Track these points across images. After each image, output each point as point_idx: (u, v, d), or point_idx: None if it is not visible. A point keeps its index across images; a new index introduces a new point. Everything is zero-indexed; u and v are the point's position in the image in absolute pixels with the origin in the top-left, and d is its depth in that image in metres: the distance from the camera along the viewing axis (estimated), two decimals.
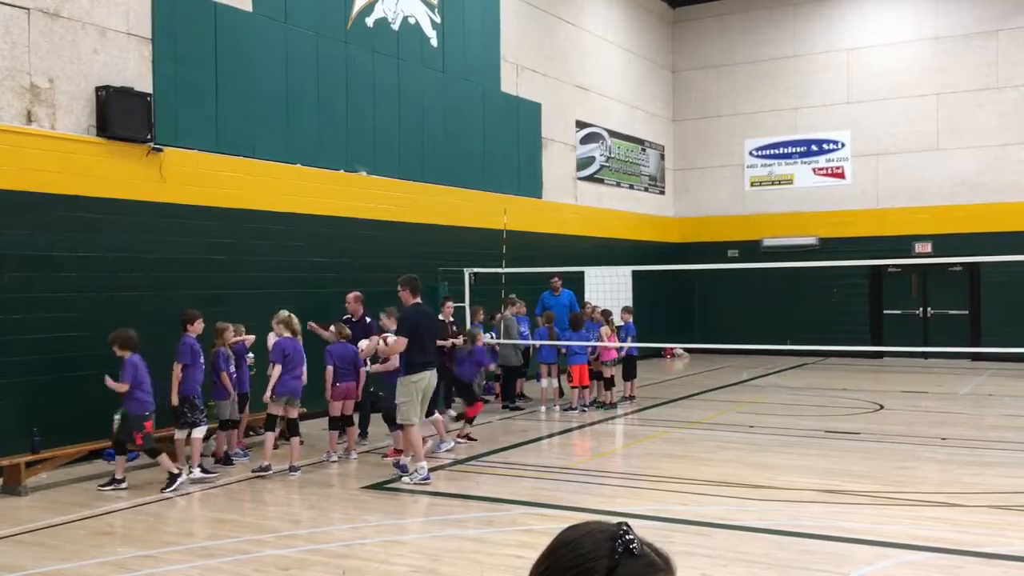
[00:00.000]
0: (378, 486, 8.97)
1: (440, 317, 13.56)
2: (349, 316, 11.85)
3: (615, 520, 1.40)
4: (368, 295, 12.11)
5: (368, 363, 10.97)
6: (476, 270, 15.27)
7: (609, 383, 14.57)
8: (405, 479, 9.03)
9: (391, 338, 9.65)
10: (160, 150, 11.20)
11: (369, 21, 14.76)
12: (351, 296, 11.85)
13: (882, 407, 14.37)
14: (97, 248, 10.57)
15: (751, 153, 24.28)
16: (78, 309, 10.26)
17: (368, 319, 11.73)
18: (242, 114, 12.47)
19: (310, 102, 13.60)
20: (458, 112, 16.64)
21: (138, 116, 10.90)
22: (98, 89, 10.61)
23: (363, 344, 11.16)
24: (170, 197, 11.38)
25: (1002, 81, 21.34)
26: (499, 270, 16.01)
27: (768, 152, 24.09)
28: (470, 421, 11.58)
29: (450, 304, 13.72)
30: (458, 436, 11.32)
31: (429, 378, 9.39)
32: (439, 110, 16.17)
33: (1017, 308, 19.96)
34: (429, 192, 15.76)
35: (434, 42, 16.14)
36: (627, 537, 1.34)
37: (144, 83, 11.13)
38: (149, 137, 11.08)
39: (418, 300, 9.59)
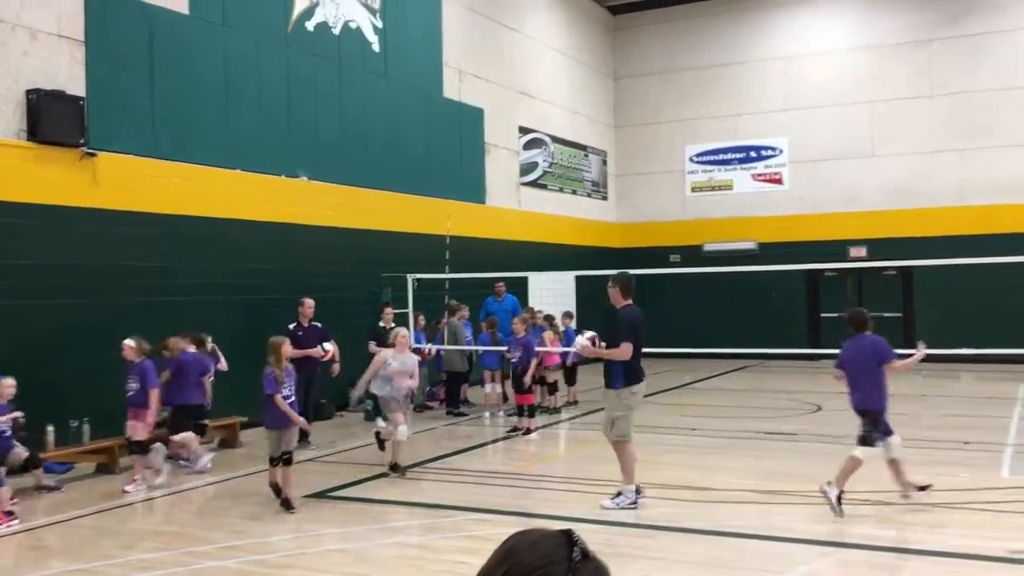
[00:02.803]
0: (320, 495, 8.87)
1: (381, 323, 13.48)
2: (298, 322, 11.78)
3: (558, 528, 1.42)
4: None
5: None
6: (419, 276, 15.20)
7: (553, 388, 14.61)
8: (607, 502, 8.03)
9: (589, 333, 8.41)
10: (94, 154, 10.95)
11: (310, 25, 14.62)
12: (311, 302, 11.90)
13: (820, 408, 14.63)
14: (29, 255, 10.29)
15: (692, 159, 24.59)
16: (7, 318, 9.96)
17: (319, 324, 11.99)
18: (179, 118, 12.25)
19: (250, 106, 13.42)
20: (400, 117, 16.56)
21: (70, 120, 10.64)
22: (28, 92, 10.33)
23: (328, 346, 11.57)
24: (105, 203, 11.12)
25: (934, 89, 21.93)
26: (442, 276, 15.97)
27: (708, 158, 24.42)
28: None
29: (389, 310, 13.65)
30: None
31: (644, 390, 8.35)
32: (381, 115, 16.08)
33: (949, 311, 20.49)
34: (371, 198, 15.65)
35: (376, 47, 16.05)
36: (580, 542, 1.37)
37: (77, 86, 10.87)
38: (82, 141, 10.82)
39: (630, 301, 8.49)
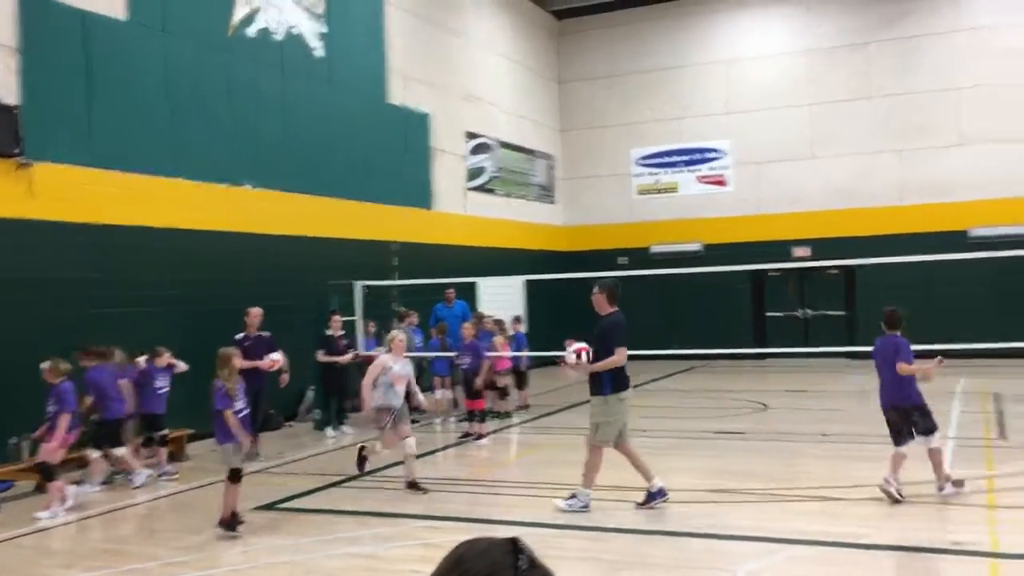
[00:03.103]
0: (269, 506, 8.74)
1: (329, 332, 13.35)
2: (245, 333, 11.60)
3: (506, 535, 1.43)
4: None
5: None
6: (367, 283, 15.09)
7: (503, 393, 14.60)
8: (561, 503, 8.04)
9: (576, 345, 8.39)
10: (29, 164, 10.67)
11: (251, 31, 14.44)
12: (257, 311, 11.71)
13: (766, 407, 14.83)
14: None
15: (638, 162, 24.79)
16: None
17: (266, 334, 11.79)
18: (118, 126, 12.01)
19: (191, 113, 13.20)
20: (345, 123, 16.44)
21: (4, 129, 10.36)
22: None
23: (276, 356, 11.35)
24: (42, 214, 10.85)
25: (872, 91, 22.39)
26: (391, 282, 15.88)
27: (654, 161, 24.65)
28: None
29: (338, 318, 13.52)
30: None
31: (631, 397, 8.39)
32: (326, 121, 15.94)
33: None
34: (317, 204, 15.51)
35: (319, 52, 15.91)
36: (526, 549, 1.39)
37: (10, 95, 10.59)
38: (17, 151, 10.54)
39: (616, 307, 8.52)
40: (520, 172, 23.32)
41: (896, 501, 7.87)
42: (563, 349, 22.97)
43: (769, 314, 23.34)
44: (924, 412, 8.15)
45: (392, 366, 9.12)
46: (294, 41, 15.32)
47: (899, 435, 8.10)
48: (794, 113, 23.04)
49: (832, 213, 22.40)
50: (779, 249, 21.97)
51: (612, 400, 8.21)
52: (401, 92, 18.26)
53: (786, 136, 23.07)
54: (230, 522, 7.67)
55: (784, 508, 8.11)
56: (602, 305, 8.51)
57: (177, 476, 10.21)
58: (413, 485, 9.03)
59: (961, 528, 7.18)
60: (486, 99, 21.66)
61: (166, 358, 10.62)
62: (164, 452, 10.47)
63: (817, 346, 20.13)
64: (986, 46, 21.38)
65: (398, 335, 9.64)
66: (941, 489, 8.10)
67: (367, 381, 9.17)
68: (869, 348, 17.68)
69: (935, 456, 8.09)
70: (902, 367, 8.08)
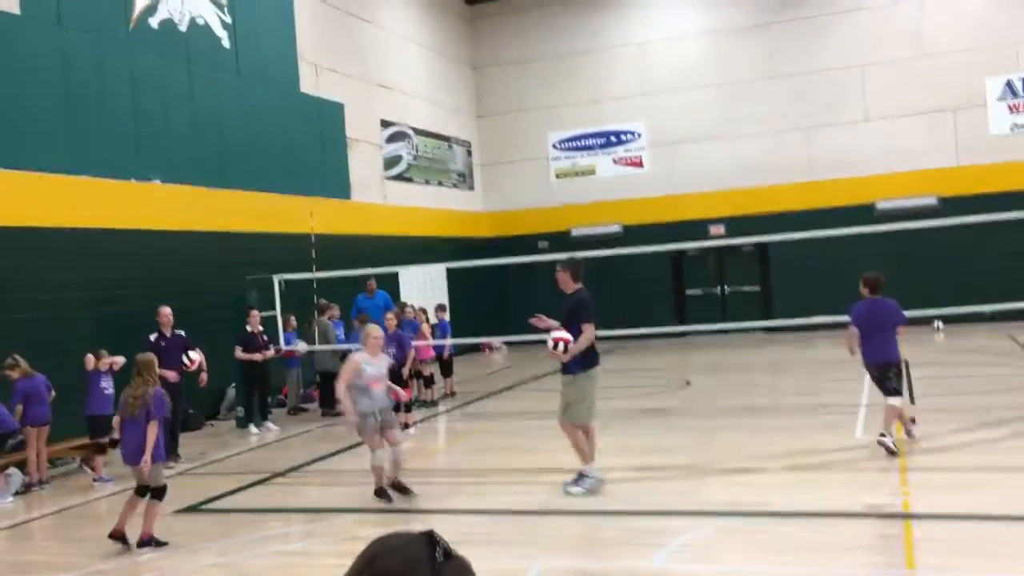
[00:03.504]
0: (192, 508, 8.56)
1: (248, 328, 13.11)
2: (159, 333, 11.29)
3: (420, 530, 1.42)
4: (172, 309, 11.56)
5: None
6: (285, 276, 14.86)
7: (429, 381, 14.57)
8: (574, 489, 7.93)
9: (556, 334, 8.13)
10: None
11: (153, 22, 14.02)
12: (167, 311, 11.36)
13: (689, 383, 15.11)
14: None
15: (555, 146, 24.91)
16: None
17: (182, 333, 11.45)
18: (14, 124, 11.52)
19: (91, 109, 12.74)
20: (257, 114, 16.10)
21: None
22: None
23: (194, 356, 11.09)
24: None
25: (778, 70, 22.89)
26: (310, 275, 15.66)
27: (571, 144, 24.80)
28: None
29: (256, 314, 13.27)
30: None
31: (600, 375, 8.36)
32: (237, 113, 15.59)
33: (802, 283, 21.48)
34: (231, 198, 15.17)
35: (226, 43, 15.54)
36: (442, 542, 1.38)
37: None
38: None
39: (581, 284, 8.44)
40: (438, 159, 23.21)
41: (892, 453, 8.39)
42: (487, 335, 23.10)
43: (689, 292, 23.75)
44: (900, 371, 9.00)
45: (366, 368, 8.08)
46: (199, 31, 14.93)
47: (887, 386, 8.79)
48: (706, 93, 23.42)
49: (745, 191, 22.87)
50: (696, 228, 22.33)
51: (581, 378, 8.14)
52: (313, 81, 17.96)
53: (699, 116, 23.44)
54: (151, 539, 7.18)
55: (709, 481, 8.29)
56: (567, 283, 8.46)
57: (112, 481, 9.88)
58: (398, 487, 8.25)
59: (875, 491, 7.44)
60: (400, 87, 21.47)
61: (107, 359, 10.27)
62: (100, 459, 10.15)
63: (736, 321, 20.62)
64: (887, 23, 22.04)
65: (373, 331, 8.43)
66: (910, 434, 9.04)
67: (342, 384, 8.11)
68: (785, 321, 18.11)
69: (892, 413, 8.76)
70: (903, 331, 8.90)
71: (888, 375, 8.81)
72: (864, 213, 20.51)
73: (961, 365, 13.90)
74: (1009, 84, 21.25)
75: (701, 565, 6.03)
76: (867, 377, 14.05)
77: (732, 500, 7.52)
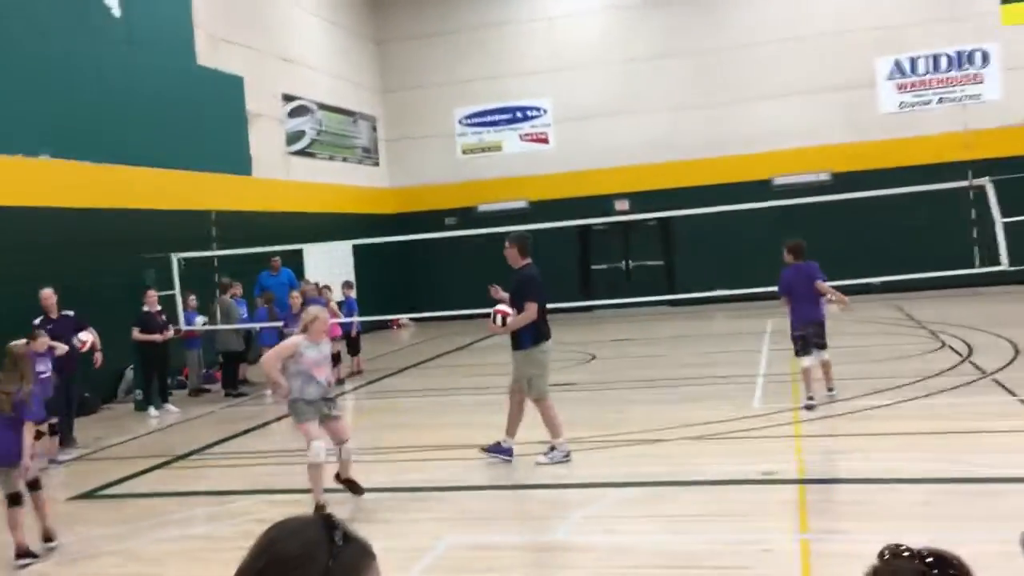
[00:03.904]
0: (89, 495, 8.32)
1: (146, 308, 12.75)
2: (44, 316, 10.84)
3: (318, 513, 1.43)
4: (65, 290, 11.11)
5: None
6: (185, 255, 14.47)
7: (336, 359, 14.41)
8: (542, 459, 8.02)
9: (498, 307, 8.12)
10: None
11: None
12: (48, 293, 10.85)
13: (595, 357, 15.34)
14: None
15: (461, 121, 24.80)
16: None
17: (70, 313, 10.95)
18: None
19: None
20: (151, 87, 15.54)
21: None
22: None
23: (84, 336, 10.71)
24: None
25: (679, 48, 23.23)
26: (210, 253, 15.28)
27: (477, 120, 24.73)
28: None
29: (153, 293, 12.89)
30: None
31: (552, 349, 8.38)
32: (129, 85, 15.02)
33: (704, 257, 21.99)
34: (126, 174, 14.65)
35: (116, 11, 14.92)
36: (341, 524, 1.38)
37: None
38: None
39: (529, 260, 8.41)
40: (342, 135, 22.86)
41: (810, 408, 9.31)
42: (395, 312, 22.94)
43: (594, 267, 24.05)
44: (823, 329, 9.79)
45: (305, 351, 7.15)
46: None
47: (806, 347, 9.65)
48: (611, 70, 23.62)
49: (649, 167, 23.21)
50: (601, 203, 22.59)
51: (535, 353, 8.17)
52: (211, 53, 17.43)
53: (604, 92, 23.64)
54: (26, 552, 6.47)
55: (612, 453, 8.46)
56: (515, 258, 8.43)
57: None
58: (351, 485, 7.31)
59: (771, 459, 7.71)
60: (303, 60, 21.03)
61: (44, 340, 9.76)
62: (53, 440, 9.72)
63: (640, 296, 21.00)
64: (783, 4, 22.59)
65: (319, 312, 7.46)
66: (831, 389, 9.80)
67: (272, 361, 7.24)
68: (688, 295, 18.49)
69: (827, 367, 9.77)
70: (821, 285, 9.67)
71: (822, 331, 9.74)
72: (762, 188, 21.08)
73: (852, 335, 14.45)
74: (898, 64, 22.06)
75: (603, 536, 6.16)
76: (765, 347, 14.60)
77: (634, 471, 7.70)
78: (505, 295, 8.43)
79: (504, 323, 8.12)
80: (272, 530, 1.39)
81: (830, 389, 9.86)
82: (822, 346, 9.74)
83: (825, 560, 5.39)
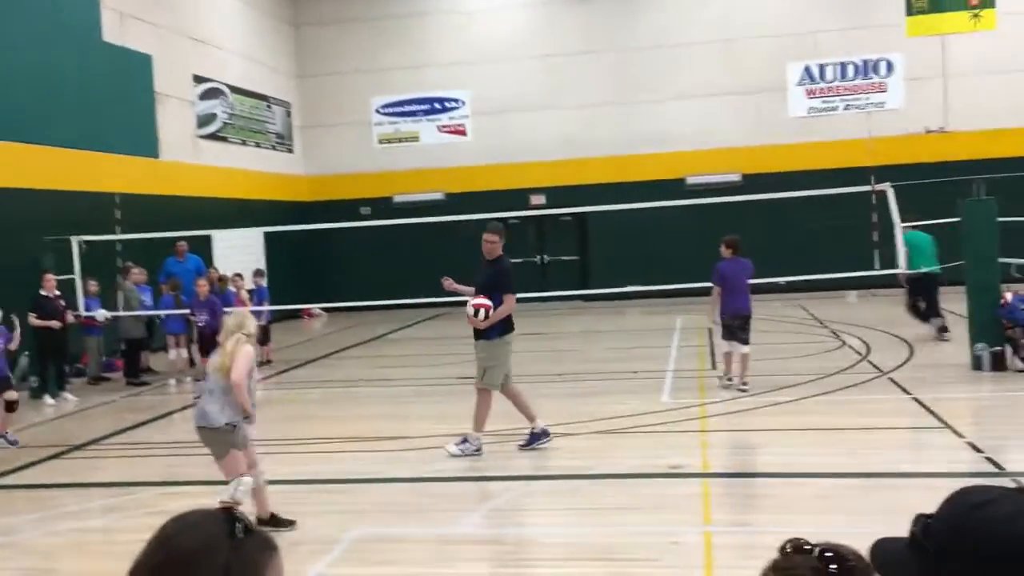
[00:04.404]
0: None
1: (43, 292, 12.25)
2: None
3: (217, 507, 1.40)
4: None
5: None
6: (86, 238, 13.95)
7: None
8: (452, 448, 7.97)
9: (476, 300, 8.03)
10: None
11: None
12: None
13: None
14: None
15: (378, 111, 24.53)
16: None
17: None
18: None
19: None
20: (53, 63, 14.88)
21: None
22: None
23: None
24: None
25: (597, 45, 23.43)
26: (114, 237, 14.77)
27: (395, 110, 24.49)
28: None
29: (50, 277, 12.40)
30: None
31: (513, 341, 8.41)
32: (29, 61, 14.35)
33: (617, 253, 22.27)
34: (24, 153, 14.03)
35: None
36: (242, 517, 1.35)
37: None
38: None
39: (502, 252, 8.40)
40: (256, 119, 22.36)
41: (727, 387, 10.21)
42: (306, 302, 22.63)
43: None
44: (748, 323, 10.42)
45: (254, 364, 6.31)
46: None
47: (733, 336, 10.32)
48: (530, 65, 23.67)
49: (565, 162, 23.36)
50: (517, 197, 22.64)
51: (498, 344, 8.12)
52: (118, 30, 16.82)
53: (523, 87, 23.68)
54: None
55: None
56: (497, 249, 8.38)
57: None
58: (274, 520, 6.06)
59: (677, 453, 7.84)
60: (215, 41, 20.48)
61: None
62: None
63: (553, 289, 21.15)
64: (698, 6, 22.99)
65: (243, 322, 6.33)
66: (744, 383, 10.22)
67: (244, 379, 6.00)
68: (601, 290, 18.68)
69: (745, 360, 10.30)
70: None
71: (747, 325, 10.33)
72: (675, 187, 21.44)
73: (757, 333, 14.77)
74: (808, 70, 22.69)
75: (511, 528, 6.18)
76: (674, 343, 14.86)
77: (542, 464, 7.74)
78: (461, 288, 8.33)
79: (487, 317, 8.00)
80: (170, 524, 1.35)
81: (744, 383, 10.23)
82: (744, 340, 10.28)
83: (727, 552, 5.50)
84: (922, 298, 13.74)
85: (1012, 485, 1.32)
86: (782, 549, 1.27)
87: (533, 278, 23.27)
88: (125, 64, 16.94)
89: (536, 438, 8.17)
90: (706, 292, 10.94)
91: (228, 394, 5.99)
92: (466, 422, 9.51)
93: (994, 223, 10.97)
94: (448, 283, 8.55)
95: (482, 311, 8.01)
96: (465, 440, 8.08)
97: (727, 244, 10.60)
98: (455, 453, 7.99)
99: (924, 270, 13.06)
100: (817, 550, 1.24)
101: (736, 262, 10.46)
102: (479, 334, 8.16)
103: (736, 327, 10.31)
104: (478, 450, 8.05)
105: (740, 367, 10.31)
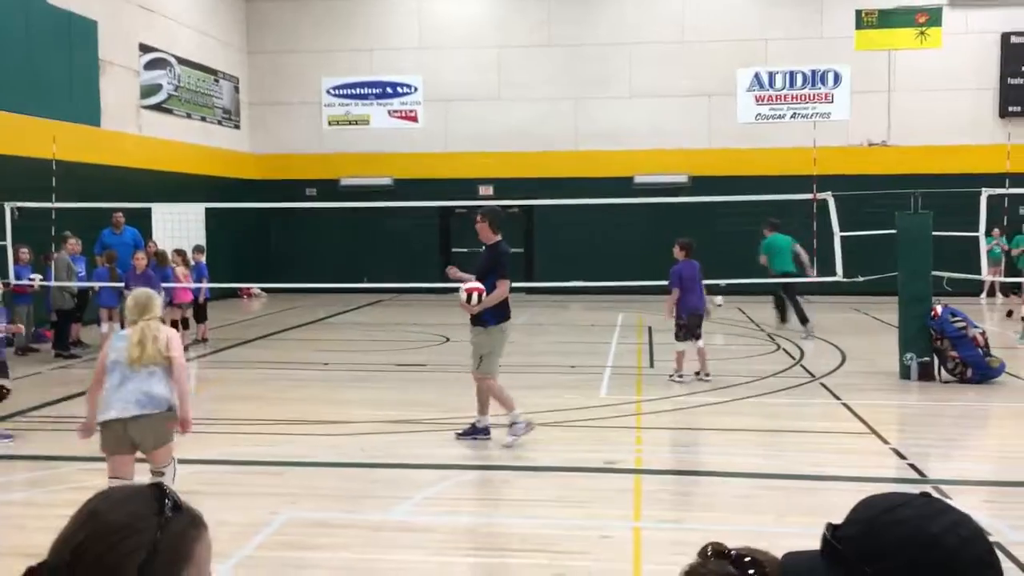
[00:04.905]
0: None
1: None
2: None
3: (147, 483, 1.37)
4: None
5: None
6: (20, 204, 13.56)
7: (183, 325, 13.88)
8: (507, 438, 7.80)
9: (468, 285, 7.88)
10: None
11: None
12: None
13: (448, 339, 15.34)
14: None
15: (329, 91, 24.26)
16: None
17: None
18: None
19: None
20: None
21: None
22: None
23: None
24: None
25: (553, 39, 23.47)
26: (49, 205, 14.38)
27: (345, 92, 24.24)
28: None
29: None
30: None
31: (510, 329, 8.30)
32: None
33: (562, 247, 22.37)
34: None
35: None
36: (171, 495, 1.33)
37: None
38: None
39: (500, 236, 8.23)
40: (202, 93, 21.95)
41: (679, 382, 10.66)
42: (247, 281, 22.35)
43: (455, 250, 24.04)
44: (702, 320, 11.06)
45: None
46: None
47: (687, 334, 10.84)
48: (484, 54, 23.61)
49: (516, 154, 23.36)
50: (466, 186, 22.60)
51: (494, 331, 8.00)
52: None
53: (477, 77, 23.62)
54: None
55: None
56: (487, 233, 8.19)
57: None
58: None
59: (613, 448, 7.92)
60: (163, 10, 20.04)
61: None
62: None
63: None
64: (653, 7, 23.18)
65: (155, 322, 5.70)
66: (708, 374, 10.86)
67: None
68: (546, 284, 18.75)
69: (702, 354, 10.89)
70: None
71: (700, 323, 10.93)
72: (623, 185, 21.61)
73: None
74: (757, 76, 23.02)
75: (444, 517, 6.18)
76: (615, 339, 14.98)
77: (478, 454, 7.75)
78: (463, 275, 8.22)
79: (480, 301, 7.89)
80: (96, 498, 1.33)
81: (707, 374, 10.90)
82: (698, 336, 10.88)
83: (655, 547, 5.57)
84: (787, 297, 15.35)
85: (932, 492, 1.36)
86: (703, 552, 1.28)
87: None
88: (69, 28, 16.50)
89: (476, 432, 8.11)
90: (650, 291, 11.18)
91: (170, 376, 5.61)
92: (401, 407, 9.50)
93: (928, 237, 11.25)
94: (452, 271, 8.44)
95: (475, 295, 7.92)
96: (514, 423, 7.91)
97: (681, 246, 11.00)
98: (510, 442, 7.83)
99: (785, 271, 15.13)
100: (735, 557, 1.26)
101: (690, 264, 10.94)
102: (475, 320, 8.05)
103: (693, 325, 10.86)
104: (528, 425, 7.91)
105: (701, 360, 10.92)
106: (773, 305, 16.16)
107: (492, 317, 8.02)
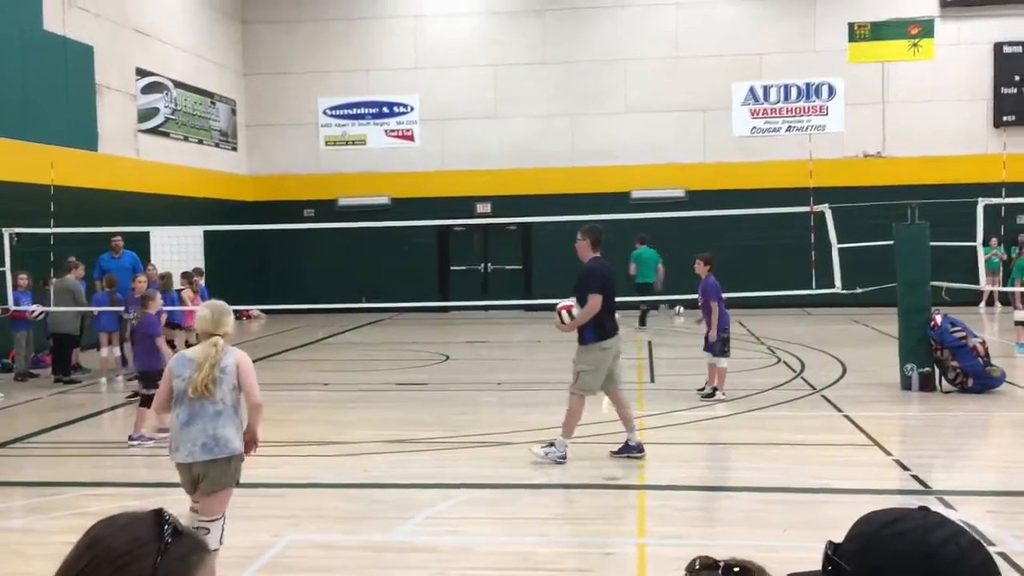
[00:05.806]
0: None
1: None
2: None
3: (149, 508, 1.38)
4: None
5: None
6: (19, 230, 13.58)
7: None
8: (538, 450, 7.81)
9: (562, 303, 7.91)
10: None
11: None
12: None
13: (448, 358, 15.34)
14: None
15: (325, 112, 24.34)
16: None
17: None
18: None
19: None
20: None
21: None
22: None
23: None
24: None
25: (548, 57, 23.57)
26: (47, 230, 14.39)
27: (342, 112, 24.32)
28: None
29: None
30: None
31: (617, 345, 8.09)
32: None
33: (561, 263, 22.31)
34: None
35: None
36: (171, 519, 1.33)
37: None
38: None
39: (598, 253, 8.14)
40: (199, 116, 22.01)
41: (715, 398, 10.60)
42: (245, 303, 22.34)
43: (453, 268, 24.07)
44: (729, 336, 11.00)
45: None
46: None
47: (725, 348, 10.71)
48: (479, 73, 23.70)
49: (512, 172, 23.42)
50: (463, 205, 22.63)
51: (593, 349, 7.91)
52: (60, 19, 16.44)
53: (472, 95, 23.71)
54: None
55: (460, 455, 8.46)
56: (585, 251, 8.17)
57: None
58: None
59: (614, 465, 7.89)
60: (160, 34, 20.12)
61: None
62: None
63: (497, 299, 21.17)
64: (647, 23, 23.27)
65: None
66: (724, 392, 10.75)
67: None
68: (544, 300, 18.79)
69: (723, 373, 10.80)
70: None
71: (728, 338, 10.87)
72: (620, 201, 21.64)
73: (694, 348, 14.99)
74: (752, 90, 23.11)
75: (446, 537, 6.15)
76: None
77: (480, 472, 7.72)
78: (567, 302, 8.15)
79: (572, 318, 7.90)
80: (98, 525, 1.34)
81: (723, 392, 10.79)
82: (728, 353, 10.85)
83: (660, 563, 5.55)
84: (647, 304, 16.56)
85: (936, 503, 1.36)
86: (690, 567, 1.28)
87: (476, 286, 23.31)
88: (66, 54, 16.57)
89: (630, 450, 8.02)
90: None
91: (238, 414, 5.31)
92: (403, 427, 9.48)
93: (925, 247, 11.27)
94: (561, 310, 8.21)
95: (564, 313, 7.95)
96: (552, 444, 7.90)
97: (705, 261, 10.92)
98: (540, 456, 7.81)
99: (646, 281, 17.10)
100: (725, 567, 1.26)
101: (714, 279, 10.83)
102: (578, 339, 8.06)
103: (727, 340, 10.79)
104: (563, 457, 7.83)
105: (721, 377, 10.80)
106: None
107: (591, 334, 7.96)
